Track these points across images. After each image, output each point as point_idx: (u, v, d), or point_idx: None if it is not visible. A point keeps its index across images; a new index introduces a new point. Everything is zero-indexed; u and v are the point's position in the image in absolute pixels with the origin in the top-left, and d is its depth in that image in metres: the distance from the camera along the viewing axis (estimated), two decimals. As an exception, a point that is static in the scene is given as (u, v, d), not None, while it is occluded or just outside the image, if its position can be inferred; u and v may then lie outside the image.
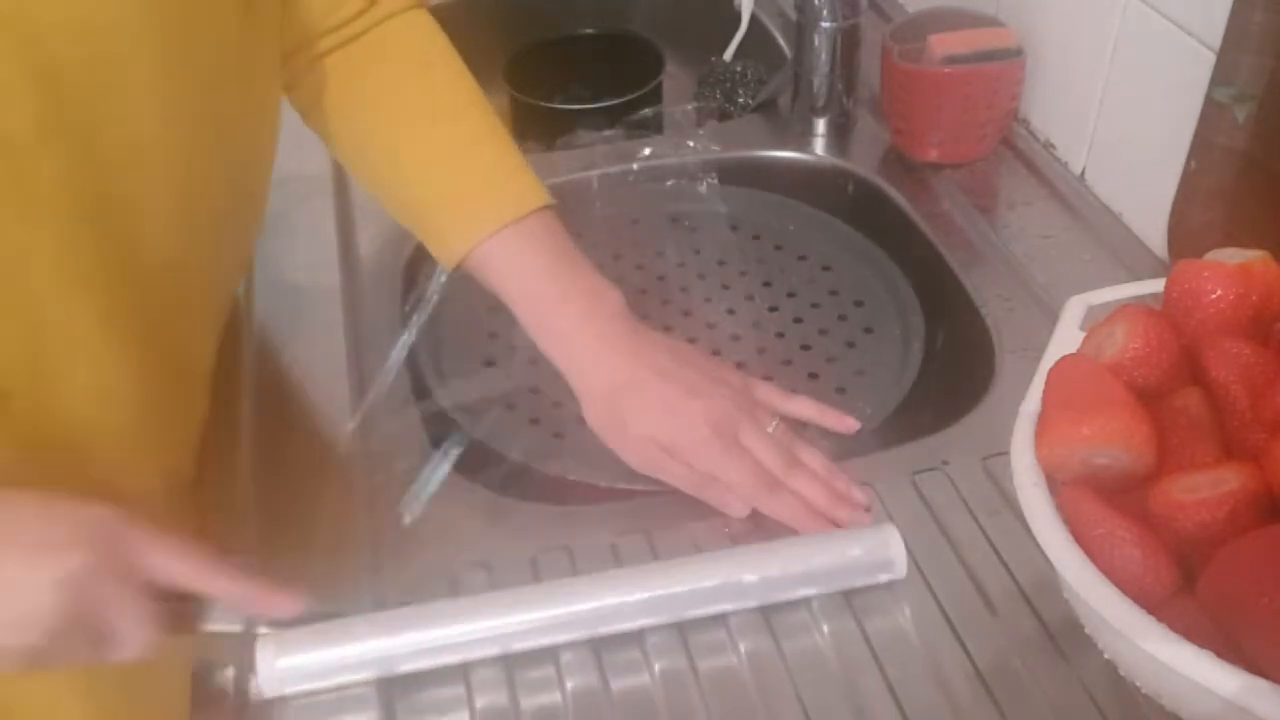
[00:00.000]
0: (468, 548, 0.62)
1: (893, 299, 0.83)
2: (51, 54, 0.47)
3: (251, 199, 0.66)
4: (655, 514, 0.64)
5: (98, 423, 0.57)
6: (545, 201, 0.67)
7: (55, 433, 0.55)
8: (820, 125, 0.93)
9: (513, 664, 0.56)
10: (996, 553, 0.60)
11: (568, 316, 0.66)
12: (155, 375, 0.59)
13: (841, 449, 0.68)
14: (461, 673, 0.56)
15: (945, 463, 0.65)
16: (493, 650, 0.56)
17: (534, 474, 0.69)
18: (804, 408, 0.69)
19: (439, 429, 0.70)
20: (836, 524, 0.62)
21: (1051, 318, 0.61)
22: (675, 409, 0.63)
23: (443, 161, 0.67)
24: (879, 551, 0.58)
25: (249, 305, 0.78)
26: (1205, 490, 0.48)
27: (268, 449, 0.69)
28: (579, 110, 1.03)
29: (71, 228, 0.51)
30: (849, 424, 0.70)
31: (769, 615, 0.58)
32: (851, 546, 0.59)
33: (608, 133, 0.97)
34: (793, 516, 0.62)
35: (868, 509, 0.63)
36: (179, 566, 0.51)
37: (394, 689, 0.56)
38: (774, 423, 0.66)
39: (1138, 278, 0.71)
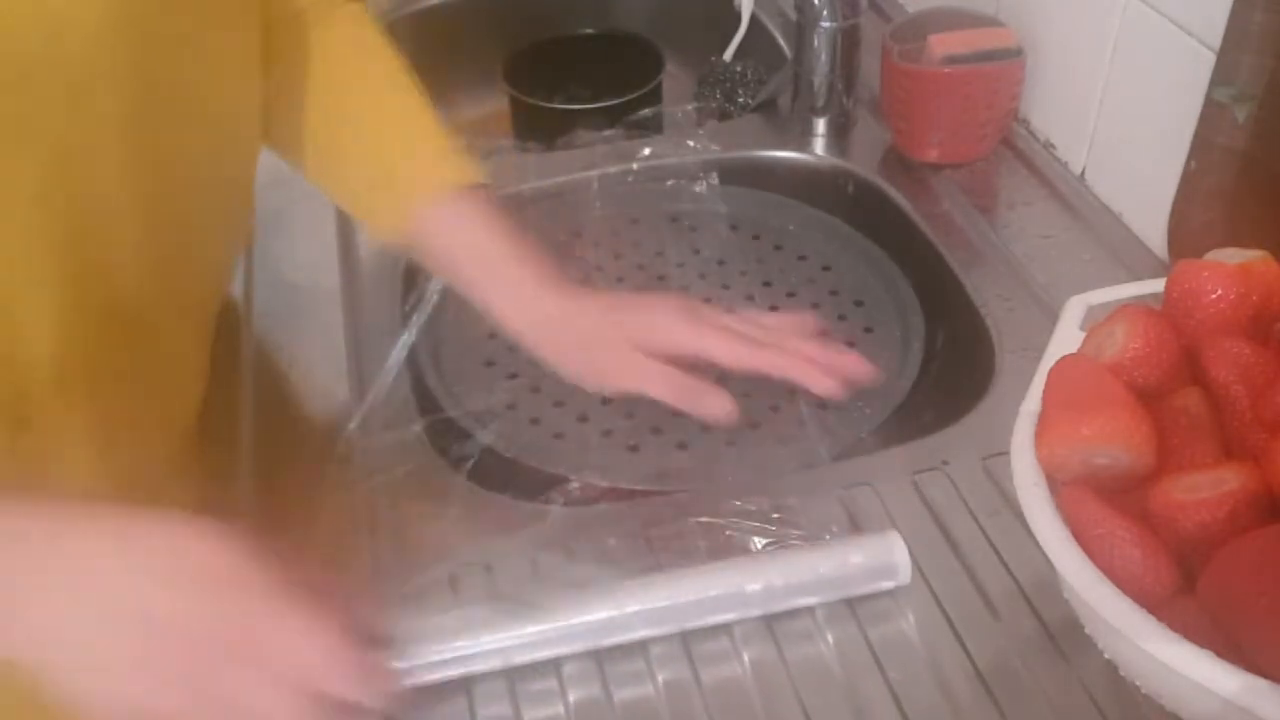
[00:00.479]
0: (467, 548, 0.62)
1: (893, 299, 0.83)
2: (19, 50, 0.47)
3: (234, 186, 0.66)
4: (655, 514, 0.63)
5: (84, 413, 0.56)
6: (485, 181, 0.68)
7: (28, 432, 0.55)
8: (820, 125, 0.93)
9: (515, 677, 0.56)
10: (997, 553, 0.60)
11: (520, 266, 0.66)
12: (131, 369, 0.58)
13: (842, 449, 0.68)
14: (464, 686, 0.56)
15: (945, 463, 0.65)
16: (495, 664, 0.56)
17: (534, 473, 0.69)
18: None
19: (439, 430, 0.70)
20: (838, 370, 0.62)
21: (1051, 318, 0.61)
22: (638, 305, 0.66)
23: (389, 142, 0.68)
24: (883, 558, 0.58)
25: (249, 305, 0.78)
26: (1205, 490, 0.48)
27: (268, 449, 0.69)
28: (579, 110, 1.03)
29: (36, 223, 0.50)
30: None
31: (772, 623, 0.58)
32: (855, 554, 0.58)
33: (608, 133, 0.97)
34: (790, 367, 0.62)
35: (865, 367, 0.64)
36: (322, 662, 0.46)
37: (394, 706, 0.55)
38: None
39: (1138, 278, 0.71)
